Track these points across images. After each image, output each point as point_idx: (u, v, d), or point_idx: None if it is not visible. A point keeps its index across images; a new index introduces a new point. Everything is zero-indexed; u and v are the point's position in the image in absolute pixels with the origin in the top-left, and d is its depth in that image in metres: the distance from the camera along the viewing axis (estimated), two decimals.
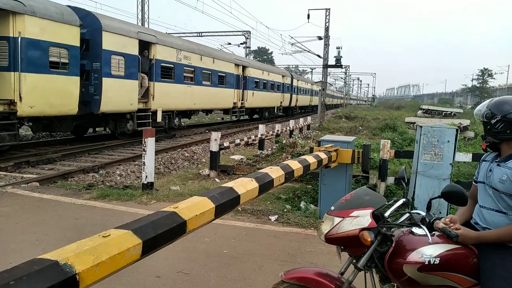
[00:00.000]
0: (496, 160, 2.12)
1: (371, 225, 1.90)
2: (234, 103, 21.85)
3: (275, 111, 29.51)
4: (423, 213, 1.92)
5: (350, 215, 1.96)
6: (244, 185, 2.86)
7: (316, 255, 4.11)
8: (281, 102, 30.41)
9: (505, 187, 1.97)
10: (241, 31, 37.11)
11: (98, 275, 1.48)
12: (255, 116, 28.44)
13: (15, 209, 5.34)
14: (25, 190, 6.43)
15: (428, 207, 1.91)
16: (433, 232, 1.88)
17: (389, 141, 7.08)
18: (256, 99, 24.95)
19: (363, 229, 1.90)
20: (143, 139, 6.42)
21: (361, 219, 1.93)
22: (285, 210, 5.74)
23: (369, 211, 1.95)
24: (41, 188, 6.71)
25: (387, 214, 2.04)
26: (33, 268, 1.31)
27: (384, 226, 1.96)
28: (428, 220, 1.86)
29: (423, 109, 30.82)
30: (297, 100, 36.29)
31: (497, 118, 2.04)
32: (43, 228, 4.63)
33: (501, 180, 1.99)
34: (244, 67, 23.32)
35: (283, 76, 31.54)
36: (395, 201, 2.17)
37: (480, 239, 1.97)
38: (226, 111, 22.70)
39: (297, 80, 36.61)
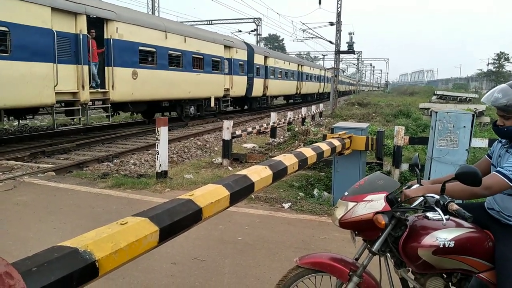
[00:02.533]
0: (505, 146, 2.10)
1: (385, 209, 1.91)
2: (74, 94, 10.73)
3: (213, 104, 18.11)
4: (437, 196, 1.90)
5: (364, 199, 1.97)
6: (258, 173, 2.86)
7: (330, 242, 4.11)
8: (226, 90, 19.28)
9: None
10: (251, 18, 36.82)
11: (117, 262, 1.50)
12: (172, 113, 17.24)
13: (33, 198, 5.45)
14: (42, 179, 6.54)
15: (442, 190, 1.89)
16: (447, 216, 1.86)
17: (403, 127, 7.00)
18: (145, 85, 13.35)
19: (377, 212, 1.90)
20: (156, 128, 6.46)
21: (375, 203, 1.93)
22: (299, 197, 5.74)
23: (383, 195, 1.95)
24: (57, 177, 6.82)
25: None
26: (53, 255, 1.33)
27: (398, 210, 1.96)
28: (442, 203, 1.84)
29: (438, 94, 30.37)
30: (266, 87, 24.55)
31: None
32: (60, 217, 4.72)
33: None
34: (103, 22, 11.64)
35: (227, 47, 18.96)
36: (409, 187, 2.16)
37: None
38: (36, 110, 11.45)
39: (266, 57, 24.65)
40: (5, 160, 8.39)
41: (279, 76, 27.39)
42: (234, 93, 20.09)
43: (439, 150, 5.33)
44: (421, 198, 2.05)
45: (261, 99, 24.96)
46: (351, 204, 1.99)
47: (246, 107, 24.59)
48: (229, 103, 20.74)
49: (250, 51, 22.10)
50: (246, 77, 21.56)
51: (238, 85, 20.48)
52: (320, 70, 42.02)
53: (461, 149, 5.23)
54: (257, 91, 23.22)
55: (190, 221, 1.97)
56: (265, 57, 24.61)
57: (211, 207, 2.13)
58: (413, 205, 2.07)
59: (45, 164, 8.34)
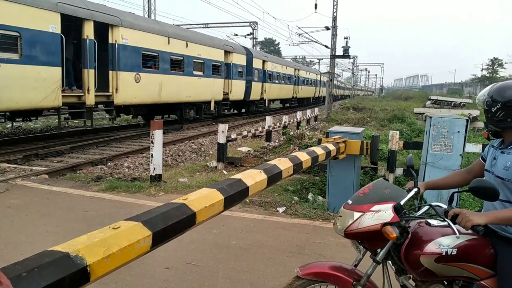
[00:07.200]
0: (500, 147, 2.04)
1: (393, 220, 1.86)
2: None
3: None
4: (445, 206, 1.87)
5: (371, 209, 1.91)
6: (253, 177, 2.85)
7: (325, 246, 4.10)
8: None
9: (509, 174, 1.90)
10: (248, 22, 36.85)
11: (109, 267, 1.49)
12: None
13: (25, 201, 5.39)
14: (35, 182, 6.48)
15: (451, 200, 1.87)
16: (450, 222, 1.85)
17: (397, 132, 7.02)
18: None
19: (385, 223, 1.86)
20: (150, 131, 6.43)
21: (383, 213, 1.88)
22: (293, 201, 5.73)
23: (390, 205, 1.90)
24: (50, 180, 6.76)
25: (401, 202, 2.00)
26: (44, 259, 1.31)
27: (403, 219, 1.92)
28: (453, 215, 1.82)
29: (432, 99, 30.44)
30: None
31: (498, 106, 1.95)
32: (53, 220, 4.67)
33: (505, 167, 1.92)
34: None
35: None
36: (408, 191, 2.14)
37: (490, 217, 1.83)
38: None
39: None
40: None
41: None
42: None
43: (433, 155, 5.36)
44: (427, 207, 2.03)
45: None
46: (357, 214, 1.93)
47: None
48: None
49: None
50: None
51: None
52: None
53: (455, 154, 5.26)
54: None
55: (184, 226, 1.96)
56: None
57: (205, 211, 2.12)
58: (418, 214, 2.04)
59: (38, 167, 8.28)
